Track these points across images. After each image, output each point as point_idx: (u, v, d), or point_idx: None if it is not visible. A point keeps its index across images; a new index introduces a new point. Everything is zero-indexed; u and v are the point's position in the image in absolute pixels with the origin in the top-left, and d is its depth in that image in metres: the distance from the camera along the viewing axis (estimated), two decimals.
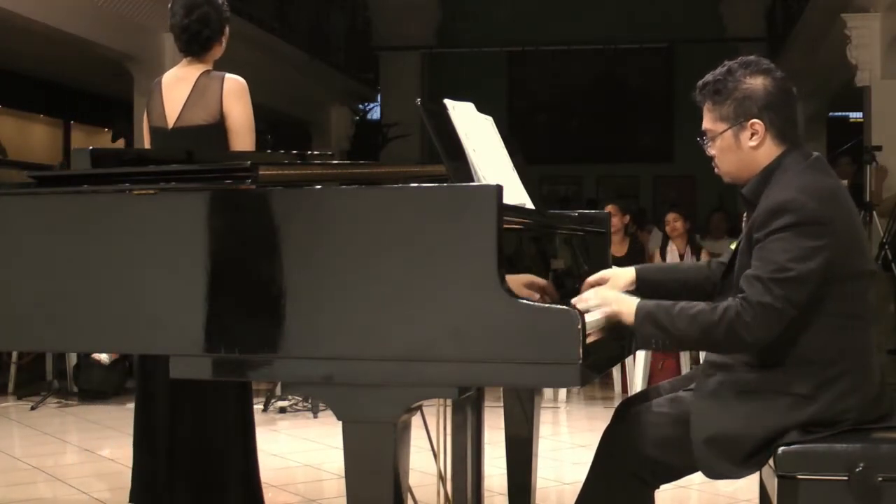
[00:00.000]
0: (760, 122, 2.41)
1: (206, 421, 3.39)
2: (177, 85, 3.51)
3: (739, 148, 2.44)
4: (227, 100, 3.44)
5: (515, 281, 2.30)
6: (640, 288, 2.68)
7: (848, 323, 2.34)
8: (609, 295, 2.46)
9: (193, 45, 3.50)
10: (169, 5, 3.55)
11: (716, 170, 2.54)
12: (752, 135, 2.42)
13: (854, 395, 2.33)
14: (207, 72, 3.51)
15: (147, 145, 3.61)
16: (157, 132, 3.53)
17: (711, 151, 2.50)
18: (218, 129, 3.44)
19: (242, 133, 3.46)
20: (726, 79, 2.44)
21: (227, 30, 3.59)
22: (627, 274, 2.72)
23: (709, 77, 2.48)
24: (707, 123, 2.49)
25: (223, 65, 3.64)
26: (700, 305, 2.33)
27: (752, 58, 2.49)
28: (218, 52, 3.58)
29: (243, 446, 3.47)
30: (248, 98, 3.49)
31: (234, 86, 3.46)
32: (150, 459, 3.42)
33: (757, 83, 2.42)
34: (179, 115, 3.47)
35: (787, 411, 2.32)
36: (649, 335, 2.34)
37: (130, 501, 3.53)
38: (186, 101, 3.46)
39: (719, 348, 2.38)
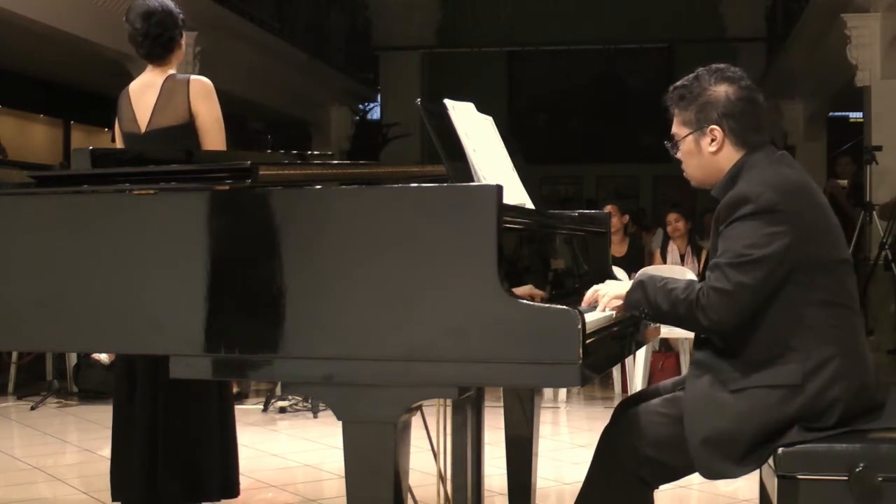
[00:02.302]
0: (719, 129, 2.48)
1: (187, 413, 3.43)
2: (144, 92, 3.58)
3: (700, 153, 2.52)
4: (195, 101, 3.51)
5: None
6: None
7: (828, 311, 2.36)
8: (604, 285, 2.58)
9: (156, 48, 3.57)
10: (124, 18, 3.61)
11: (683, 174, 2.61)
12: (712, 140, 2.49)
13: (842, 381, 2.33)
14: (172, 76, 3.58)
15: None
16: (131, 137, 3.59)
17: (678, 155, 2.58)
18: (189, 129, 3.50)
19: (212, 132, 3.52)
20: (692, 85, 2.52)
21: (183, 35, 3.66)
22: None
23: (678, 82, 2.56)
24: (674, 127, 2.57)
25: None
26: (682, 283, 2.41)
27: (721, 65, 2.56)
28: (179, 55, 3.65)
29: (222, 435, 3.53)
30: (215, 97, 3.56)
31: (200, 87, 3.53)
32: (131, 455, 3.45)
33: (720, 90, 2.48)
34: (150, 119, 3.54)
35: (777, 404, 2.32)
36: (636, 301, 2.44)
37: (114, 501, 3.54)
38: (155, 107, 3.53)
39: (682, 325, 2.44)
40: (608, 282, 2.70)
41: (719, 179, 2.50)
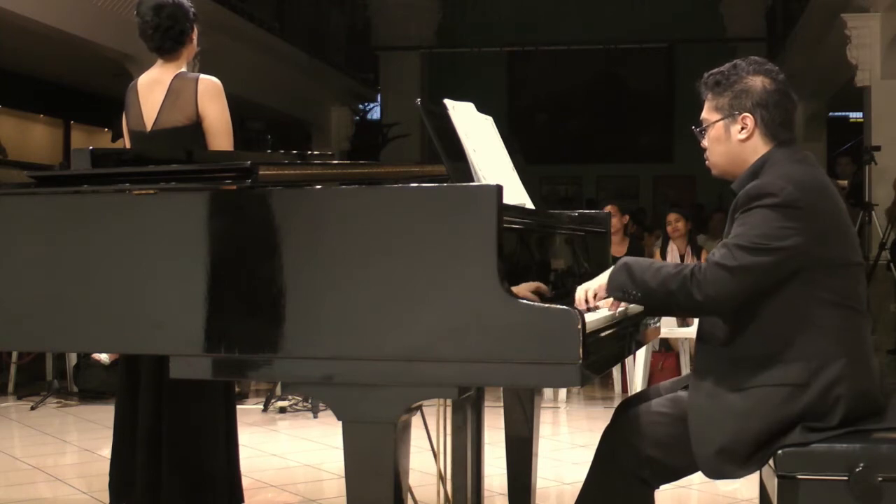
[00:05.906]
0: (751, 118, 2.48)
1: (191, 412, 3.40)
2: (152, 88, 3.53)
3: (728, 140, 2.51)
4: (203, 101, 3.45)
5: (521, 289, 2.32)
6: None
7: (835, 312, 2.36)
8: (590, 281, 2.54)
9: (166, 42, 3.52)
10: (134, 12, 3.57)
11: (706, 162, 2.60)
12: (742, 128, 2.49)
13: (846, 380, 2.33)
14: (182, 73, 3.53)
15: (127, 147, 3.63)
16: (136, 135, 3.55)
17: (704, 142, 2.58)
18: (195, 130, 3.45)
19: (220, 133, 3.47)
20: (729, 72, 2.52)
21: (196, 30, 3.61)
22: None
23: (715, 69, 2.56)
24: (704, 113, 2.57)
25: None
26: (672, 264, 2.40)
27: (759, 58, 2.57)
28: (191, 50, 3.60)
29: (227, 437, 3.51)
30: (224, 98, 3.50)
31: (209, 86, 3.47)
32: (133, 453, 3.43)
33: (757, 81, 2.49)
34: (156, 118, 3.49)
35: (783, 403, 2.32)
36: (620, 283, 2.41)
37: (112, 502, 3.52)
38: (162, 105, 3.48)
39: (671, 300, 2.38)
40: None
41: (741, 171, 2.50)
